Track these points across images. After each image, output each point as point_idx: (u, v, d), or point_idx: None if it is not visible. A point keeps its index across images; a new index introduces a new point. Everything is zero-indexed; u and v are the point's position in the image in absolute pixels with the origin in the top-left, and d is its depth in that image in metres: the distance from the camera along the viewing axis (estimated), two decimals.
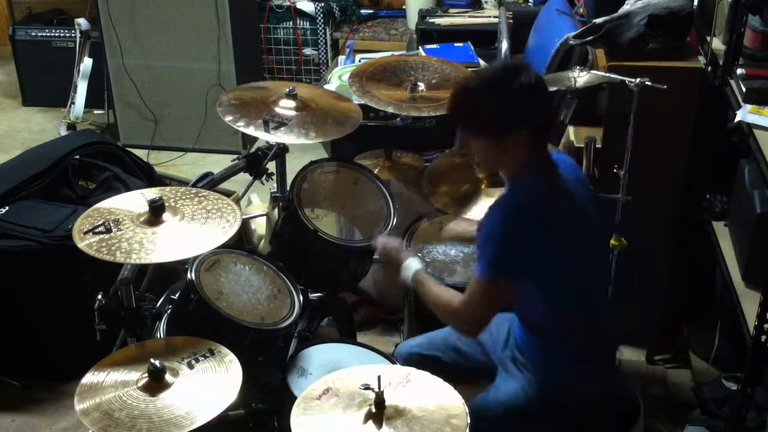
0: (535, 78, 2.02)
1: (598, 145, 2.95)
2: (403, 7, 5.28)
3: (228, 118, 2.61)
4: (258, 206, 3.81)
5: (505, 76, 2.03)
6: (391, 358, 2.40)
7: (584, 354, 2.14)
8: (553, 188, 2.09)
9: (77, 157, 3.29)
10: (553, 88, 2.83)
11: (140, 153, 4.12)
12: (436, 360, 2.38)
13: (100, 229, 2.05)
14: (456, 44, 3.80)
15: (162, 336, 2.30)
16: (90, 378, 1.90)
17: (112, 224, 2.07)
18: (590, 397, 2.15)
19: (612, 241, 2.75)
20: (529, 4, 4.67)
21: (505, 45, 3.66)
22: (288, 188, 2.73)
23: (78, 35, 4.77)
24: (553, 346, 2.15)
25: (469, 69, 3.22)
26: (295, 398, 1.84)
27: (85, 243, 1.99)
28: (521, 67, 2.05)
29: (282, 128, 2.58)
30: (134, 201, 2.17)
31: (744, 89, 2.58)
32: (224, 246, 2.31)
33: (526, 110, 2.03)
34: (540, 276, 2.06)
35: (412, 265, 2.26)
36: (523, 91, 2.00)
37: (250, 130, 2.59)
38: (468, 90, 2.07)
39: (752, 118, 2.47)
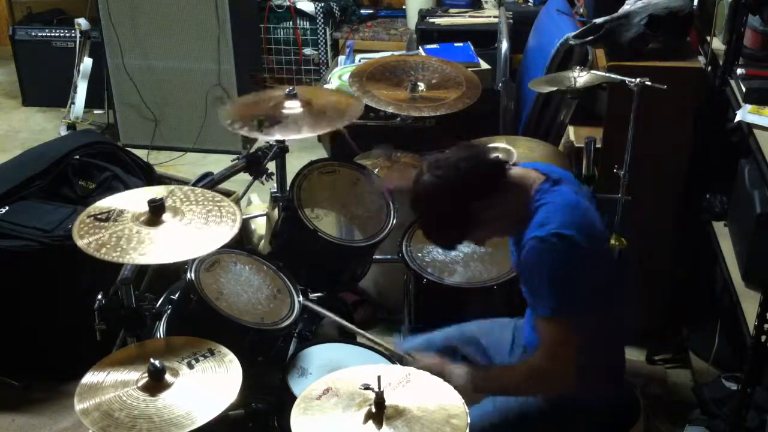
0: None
1: (598, 145, 2.95)
2: (403, 7, 5.28)
3: (227, 121, 2.61)
4: (258, 206, 3.81)
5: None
6: (391, 358, 2.40)
7: (599, 370, 2.13)
8: (574, 213, 2.03)
9: (77, 157, 3.29)
10: (552, 89, 2.83)
11: (140, 153, 4.11)
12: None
13: (102, 216, 2.06)
14: (456, 44, 3.80)
15: (162, 336, 2.31)
16: (90, 378, 1.90)
17: (115, 215, 2.07)
18: (598, 406, 2.15)
19: (612, 241, 2.75)
20: (529, 4, 4.68)
21: (505, 45, 3.66)
22: (288, 188, 2.73)
23: (78, 35, 4.77)
24: None
25: (470, 69, 3.22)
26: (295, 398, 1.84)
27: (83, 242, 1.99)
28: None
29: (275, 126, 2.58)
30: (141, 198, 2.16)
31: (744, 89, 2.58)
32: (224, 246, 2.31)
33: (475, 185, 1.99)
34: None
35: (459, 373, 2.06)
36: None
37: (244, 131, 2.59)
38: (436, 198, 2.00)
39: (752, 118, 2.47)
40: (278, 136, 2.62)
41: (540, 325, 2.01)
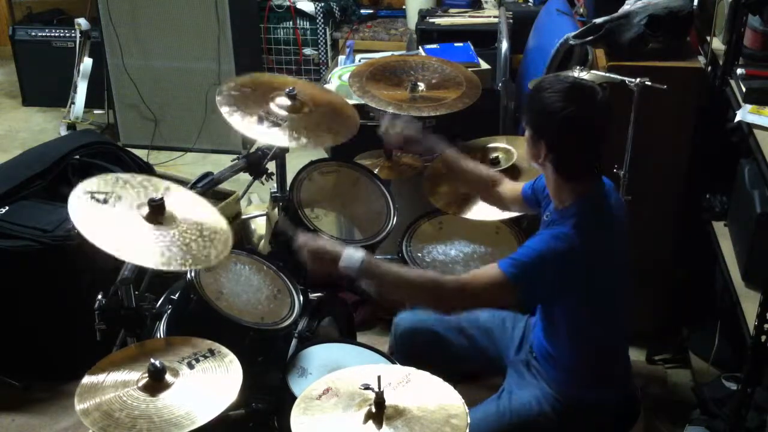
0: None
1: None
2: (403, 7, 5.28)
3: (225, 110, 2.56)
4: (258, 206, 3.81)
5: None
6: (391, 358, 2.40)
7: (603, 376, 2.16)
8: (603, 226, 2.08)
9: (77, 157, 3.30)
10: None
11: (140, 153, 4.12)
12: (438, 336, 2.35)
13: (98, 196, 2.05)
14: (456, 44, 3.79)
15: (162, 336, 2.30)
16: (90, 378, 1.90)
17: (111, 197, 2.06)
18: (599, 407, 2.17)
19: None
20: (529, 4, 4.68)
21: (505, 45, 3.65)
22: (288, 188, 2.73)
23: (78, 35, 4.78)
24: (573, 366, 2.15)
25: (470, 69, 3.22)
26: (295, 398, 1.84)
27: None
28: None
29: (276, 128, 2.56)
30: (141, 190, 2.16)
31: (744, 89, 2.58)
32: None
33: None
34: (574, 306, 2.06)
35: (355, 252, 2.04)
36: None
37: (245, 127, 2.55)
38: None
39: (752, 118, 2.47)
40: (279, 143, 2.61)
41: (492, 267, 2.00)
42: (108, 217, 2.02)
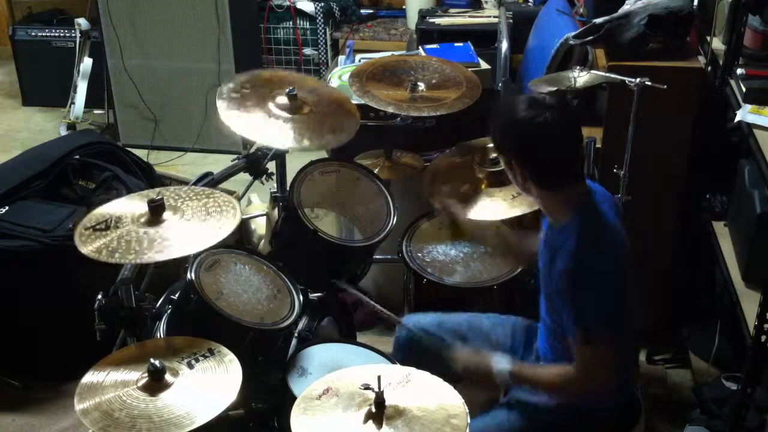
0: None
1: (598, 145, 2.95)
2: (403, 7, 5.28)
3: (225, 114, 2.56)
4: (258, 206, 3.81)
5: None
6: (391, 358, 2.40)
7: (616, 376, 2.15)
8: (604, 233, 2.08)
9: (77, 157, 3.29)
10: (552, 89, 2.84)
11: (140, 153, 4.12)
12: (441, 341, 2.34)
13: (100, 226, 2.06)
14: (456, 44, 3.79)
15: (162, 336, 2.31)
16: (90, 378, 1.90)
17: (112, 222, 2.07)
18: (601, 409, 2.17)
19: None
20: (529, 4, 4.68)
21: (505, 45, 3.66)
22: (288, 188, 2.73)
23: (78, 35, 4.78)
24: None
25: (470, 69, 3.22)
26: (295, 398, 1.84)
27: (90, 248, 1.99)
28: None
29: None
30: (135, 203, 2.16)
31: (744, 89, 2.59)
32: (224, 246, 2.31)
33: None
34: None
35: (501, 363, 2.13)
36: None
37: (246, 132, 2.56)
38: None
39: (752, 118, 2.47)
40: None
41: (575, 348, 2.03)
42: None
